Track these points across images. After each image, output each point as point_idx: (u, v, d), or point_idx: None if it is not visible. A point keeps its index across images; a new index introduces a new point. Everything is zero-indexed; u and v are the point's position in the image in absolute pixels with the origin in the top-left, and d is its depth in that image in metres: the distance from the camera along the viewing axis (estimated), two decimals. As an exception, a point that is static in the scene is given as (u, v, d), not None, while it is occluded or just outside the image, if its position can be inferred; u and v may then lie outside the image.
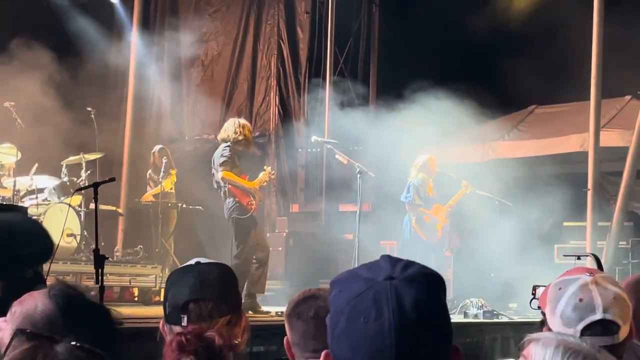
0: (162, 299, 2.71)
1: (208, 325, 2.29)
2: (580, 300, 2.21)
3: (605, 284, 2.24)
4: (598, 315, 2.19)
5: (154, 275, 10.94)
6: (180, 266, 2.60)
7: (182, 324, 2.35)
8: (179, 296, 2.41)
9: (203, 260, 2.51)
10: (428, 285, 1.30)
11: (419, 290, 1.27)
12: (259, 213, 9.75)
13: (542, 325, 2.53)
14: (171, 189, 11.70)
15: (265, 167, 9.76)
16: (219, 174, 9.00)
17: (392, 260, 1.32)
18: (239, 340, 2.37)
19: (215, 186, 9.22)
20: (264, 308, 9.15)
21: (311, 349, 2.40)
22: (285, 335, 2.54)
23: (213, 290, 2.40)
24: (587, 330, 2.19)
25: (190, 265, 2.49)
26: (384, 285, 1.27)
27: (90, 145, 11.68)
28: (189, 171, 12.04)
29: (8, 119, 11.03)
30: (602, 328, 2.19)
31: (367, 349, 1.24)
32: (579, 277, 2.26)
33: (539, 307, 2.45)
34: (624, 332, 2.21)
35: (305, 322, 2.44)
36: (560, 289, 2.27)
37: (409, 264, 1.32)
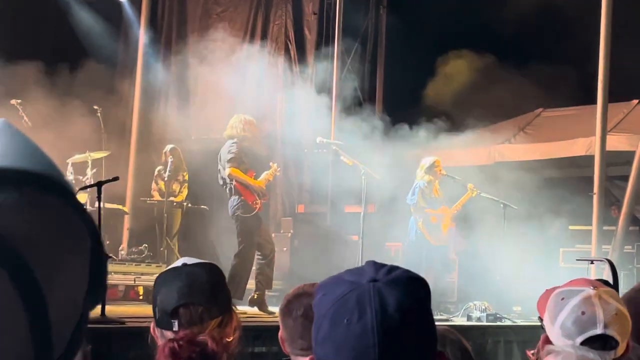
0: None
1: (199, 329, 2.29)
2: (583, 313, 2.20)
3: (608, 299, 2.22)
4: (598, 331, 2.18)
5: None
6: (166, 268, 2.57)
7: (174, 329, 2.34)
8: (167, 301, 2.38)
9: (190, 260, 2.46)
10: (411, 288, 1.30)
11: (402, 292, 1.28)
12: (264, 213, 9.73)
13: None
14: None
15: (271, 163, 9.72)
16: (226, 171, 8.97)
17: (376, 265, 1.33)
18: (231, 338, 2.37)
19: (221, 182, 9.19)
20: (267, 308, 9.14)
21: (299, 348, 2.39)
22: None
23: (202, 293, 2.37)
24: (586, 344, 2.18)
25: (177, 267, 2.44)
26: (367, 287, 1.27)
27: (96, 144, 11.70)
28: (195, 171, 12.05)
29: (15, 117, 11.04)
30: (600, 343, 2.18)
31: (351, 349, 1.24)
32: (583, 289, 2.25)
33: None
34: (621, 348, 2.21)
35: (294, 320, 2.43)
36: (562, 299, 2.25)
37: (393, 268, 1.33)
